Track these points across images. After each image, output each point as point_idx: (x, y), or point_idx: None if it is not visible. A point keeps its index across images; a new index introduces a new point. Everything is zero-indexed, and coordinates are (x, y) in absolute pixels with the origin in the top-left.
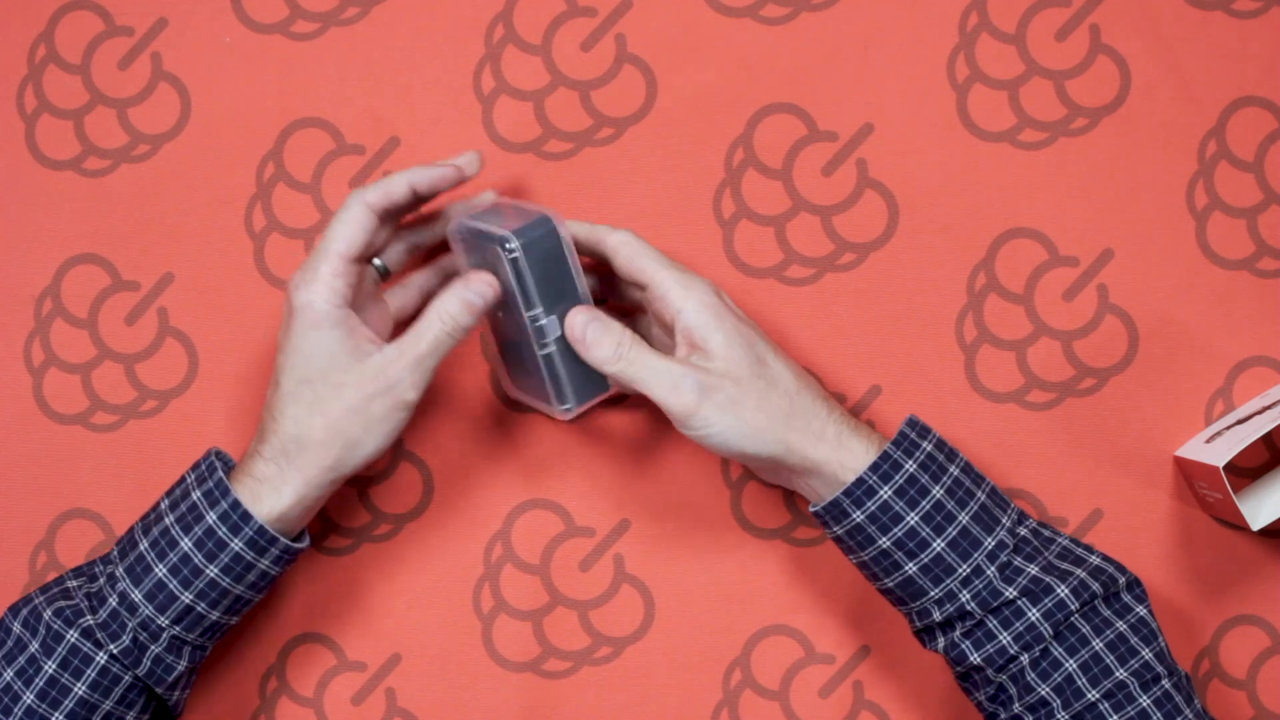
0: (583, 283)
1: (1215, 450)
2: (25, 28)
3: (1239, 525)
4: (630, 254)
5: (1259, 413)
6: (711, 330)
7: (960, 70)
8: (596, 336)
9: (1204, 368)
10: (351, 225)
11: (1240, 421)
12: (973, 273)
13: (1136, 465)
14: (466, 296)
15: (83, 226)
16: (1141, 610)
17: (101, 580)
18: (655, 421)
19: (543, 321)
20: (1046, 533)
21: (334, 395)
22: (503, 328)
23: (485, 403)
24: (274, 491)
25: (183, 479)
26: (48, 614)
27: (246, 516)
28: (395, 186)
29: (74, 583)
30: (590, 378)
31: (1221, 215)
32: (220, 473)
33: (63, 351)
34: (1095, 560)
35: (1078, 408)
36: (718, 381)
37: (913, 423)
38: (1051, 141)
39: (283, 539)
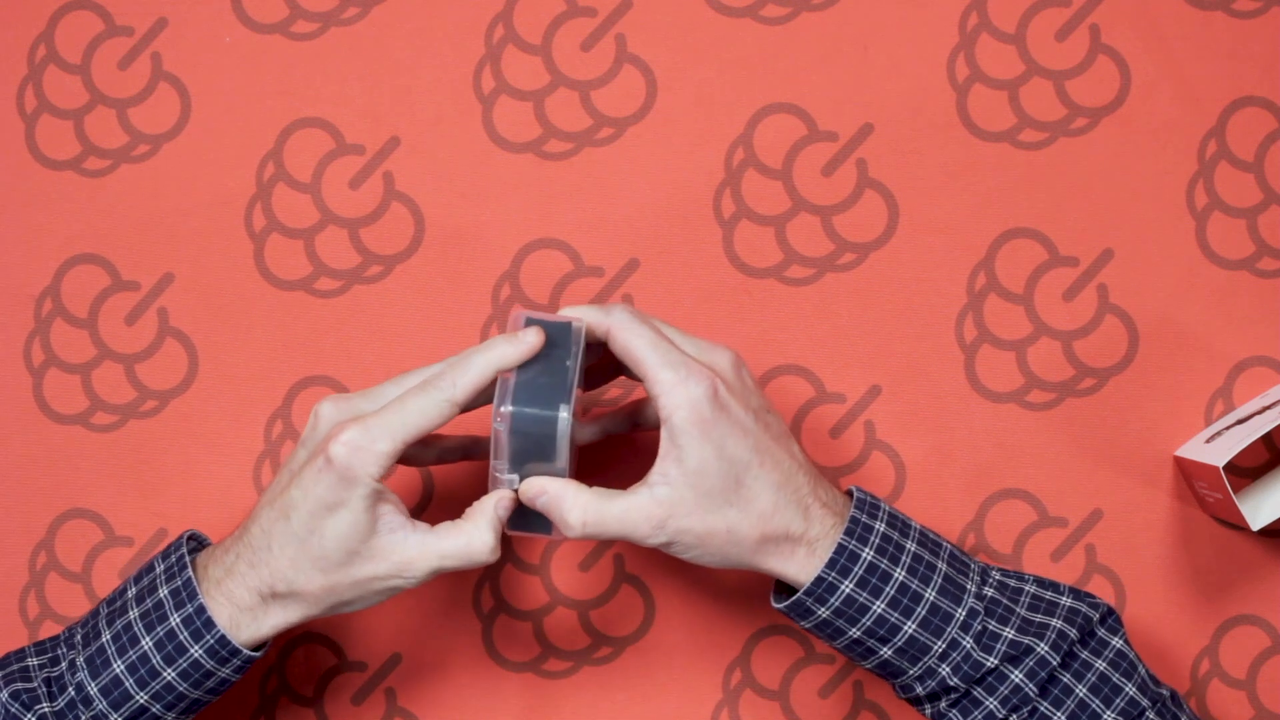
0: (563, 463)
1: (1215, 450)
2: (25, 28)
3: (1239, 525)
4: (625, 341)
5: (1259, 413)
6: (692, 449)
7: (960, 70)
8: (557, 516)
9: (1204, 368)
10: (431, 420)
11: (1240, 421)
12: (973, 273)
13: (1136, 465)
14: (495, 518)
15: (83, 226)
16: (1118, 643)
17: (63, 665)
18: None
19: (503, 478)
20: (1012, 583)
21: (344, 561)
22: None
23: (483, 410)
24: (254, 622)
25: (152, 566)
26: (4, 695)
27: (210, 624)
28: (481, 375)
29: (35, 660)
30: (536, 517)
31: (1221, 215)
32: (190, 571)
33: (63, 351)
34: (1066, 602)
35: (1078, 408)
36: (680, 527)
37: (860, 502)
38: (1051, 141)
39: (245, 650)
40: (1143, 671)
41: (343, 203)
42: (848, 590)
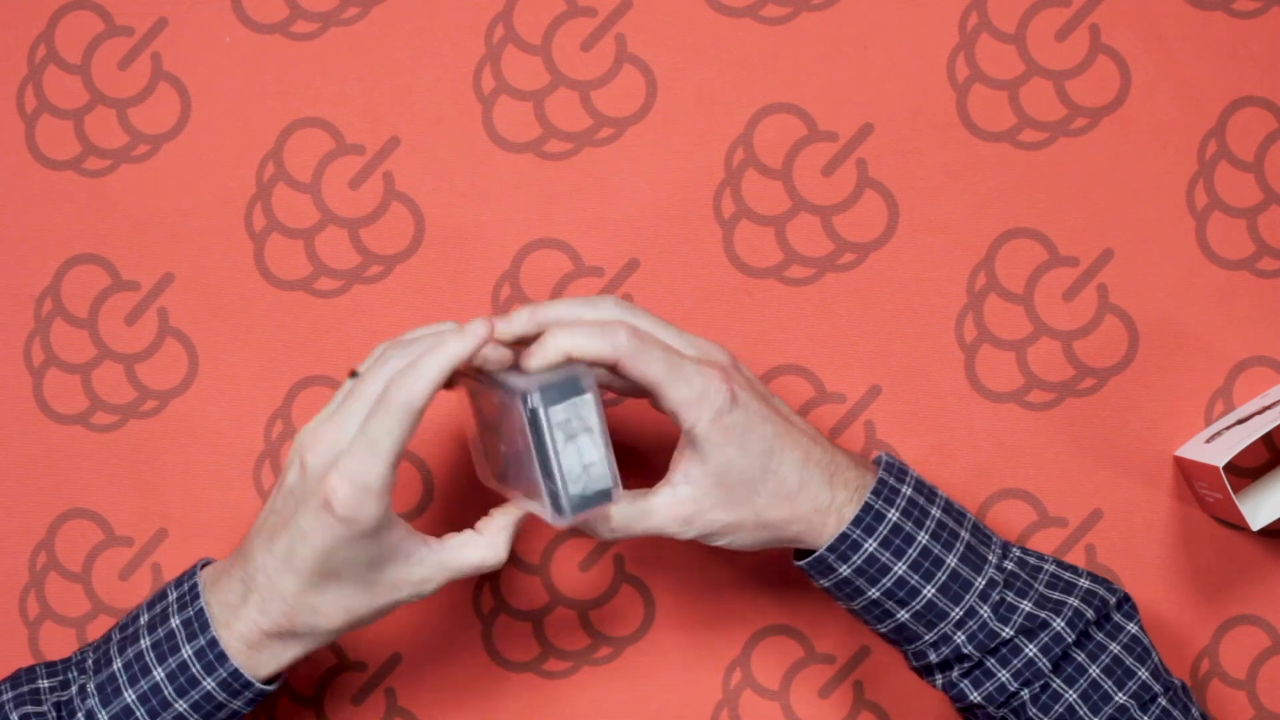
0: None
1: (1215, 450)
2: (25, 28)
3: (1239, 525)
4: (639, 370)
5: (1259, 413)
6: (714, 450)
7: (960, 70)
8: (585, 527)
9: (1204, 368)
10: (402, 438)
11: (1240, 421)
12: (973, 273)
13: (1136, 465)
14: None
15: (83, 226)
16: (1133, 628)
17: (73, 690)
18: (652, 423)
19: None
20: (1032, 560)
21: (363, 591)
22: (485, 414)
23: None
24: (272, 659)
25: (165, 593)
26: (15, 717)
27: (222, 657)
28: (436, 380)
29: (46, 683)
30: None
31: (1221, 215)
32: (202, 601)
33: (63, 351)
34: (1084, 583)
35: (1078, 408)
36: (709, 520)
37: (889, 465)
38: (1051, 141)
39: (257, 683)
40: (1156, 659)
41: (343, 203)
42: (871, 549)
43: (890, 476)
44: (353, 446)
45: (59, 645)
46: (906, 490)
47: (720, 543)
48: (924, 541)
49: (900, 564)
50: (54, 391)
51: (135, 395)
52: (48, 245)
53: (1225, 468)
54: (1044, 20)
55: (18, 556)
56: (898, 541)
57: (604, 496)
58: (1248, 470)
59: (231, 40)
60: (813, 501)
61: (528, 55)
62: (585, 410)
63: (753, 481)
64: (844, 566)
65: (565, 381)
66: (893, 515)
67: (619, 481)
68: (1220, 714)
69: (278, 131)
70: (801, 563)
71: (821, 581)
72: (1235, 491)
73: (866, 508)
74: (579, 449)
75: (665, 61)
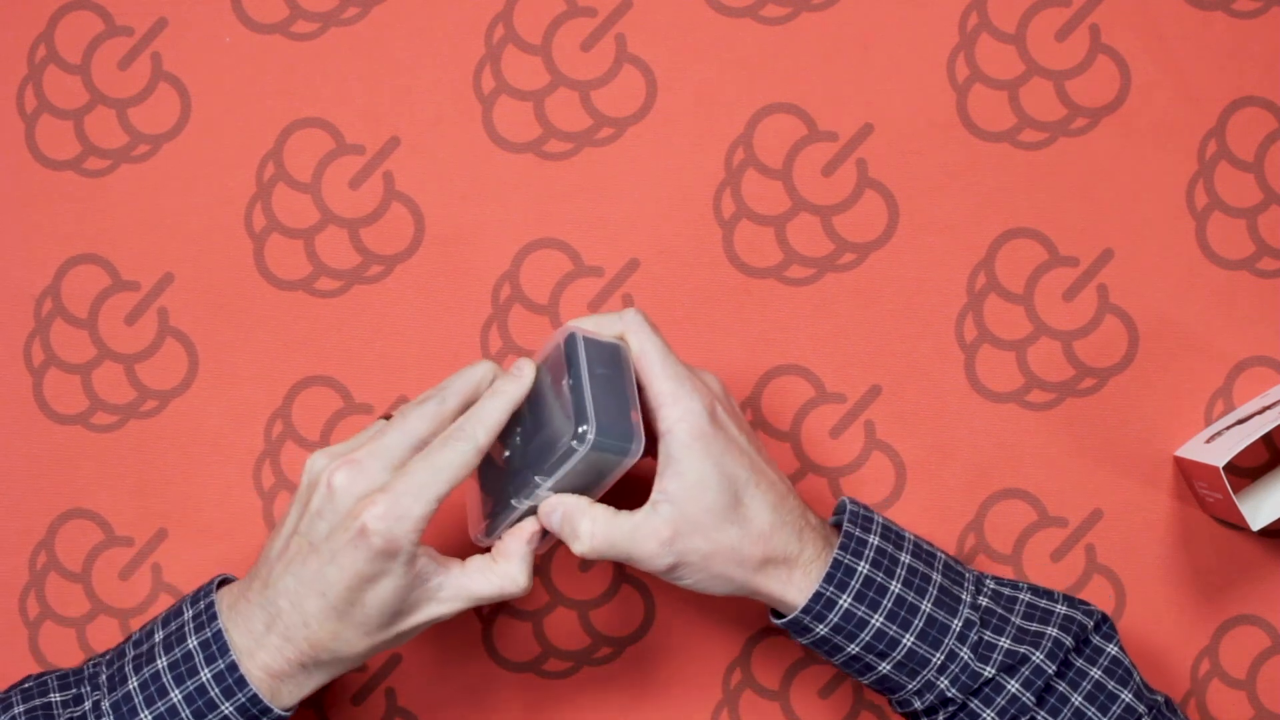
0: (602, 492)
1: (1215, 450)
2: (25, 28)
3: (1239, 525)
4: (638, 345)
5: (1259, 413)
6: (693, 463)
7: (960, 70)
8: (568, 532)
9: (1204, 368)
10: (460, 473)
11: (1240, 421)
12: (973, 273)
13: (1136, 465)
14: (527, 554)
15: (83, 226)
16: (1113, 649)
17: (87, 705)
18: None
19: (541, 492)
20: (1007, 591)
21: (388, 623)
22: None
23: None
24: (297, 688)
25: (179, 610)
26: None
27: (241, 682)
28: (500, 420)
29: (58, 697)
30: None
31: (1221, 215)
32: (220, 622)
33: (63, 351)
34: (1061, 609)
35: (1078, 408)
36: (688, 547)
37: (854, 515)
38: (1051, 141)
39: (276, 709)
40: (1138, 679)
41: (343, 203)
42: (846, 605)
43: (856, 528)
44: (407, 474)
45: (59, 645)
46: (874, 540)
47: (690, 580)
48: (897, 590)
49: (876, 616)
50: (54, 391)
51: (135, 395)
52: (48, 245)
53: (1225, 468)
54: (1044, 20)
55: (18, 556)
56: (871, 594)
57: (620, 453)
58: (1248, 470)
59: (231, 40)
60: (783, 549)
61: (528, 55)
62: (620, 368)
63: (727, 509)
64: (820, 626)
65: (606, 346)
66: (863, 568)
67: (642, 444)
68: (1220, 714)
69: (278, 131)
70: (779, 622)
71: (801, 640)
72: (1235, 491)
73: (836, 563)
74: (610, 398)
75: (665, 61)
